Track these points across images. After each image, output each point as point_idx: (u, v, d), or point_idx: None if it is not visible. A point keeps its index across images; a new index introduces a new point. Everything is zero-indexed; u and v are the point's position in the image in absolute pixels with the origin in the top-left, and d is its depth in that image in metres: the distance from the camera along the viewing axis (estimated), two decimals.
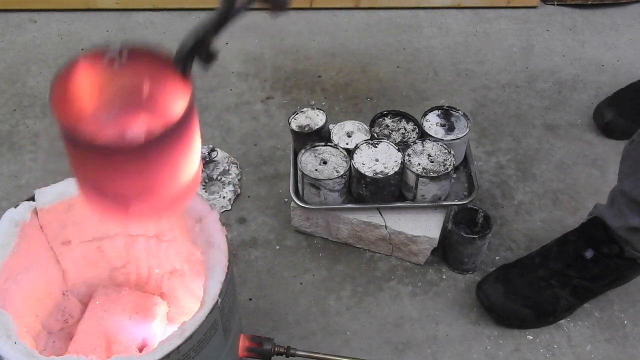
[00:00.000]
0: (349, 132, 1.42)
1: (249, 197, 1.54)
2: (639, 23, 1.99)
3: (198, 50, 0.81)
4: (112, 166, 0.72)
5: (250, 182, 1.57)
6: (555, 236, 1.45)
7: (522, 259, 1.34)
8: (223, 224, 1.00)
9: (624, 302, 1.35)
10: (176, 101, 0.78)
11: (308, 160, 1.35)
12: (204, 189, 1.53)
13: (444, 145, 1.35)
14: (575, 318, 1.32)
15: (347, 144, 1.39)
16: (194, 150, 0.76)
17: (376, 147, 1.35)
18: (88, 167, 0.75)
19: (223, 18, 0.78)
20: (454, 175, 1.41)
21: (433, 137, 1.37)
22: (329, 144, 1.38)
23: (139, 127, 0.77)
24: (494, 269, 1.39)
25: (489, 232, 1.32)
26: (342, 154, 1.36)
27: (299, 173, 1.34)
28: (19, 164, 1.61)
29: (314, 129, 1.40)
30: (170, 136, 0.72)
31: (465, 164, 1.43)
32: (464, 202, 1.36)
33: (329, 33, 1.96)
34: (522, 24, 1.99)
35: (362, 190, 1.34)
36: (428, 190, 1.33)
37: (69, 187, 1.04)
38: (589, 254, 1.25)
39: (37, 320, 1.08)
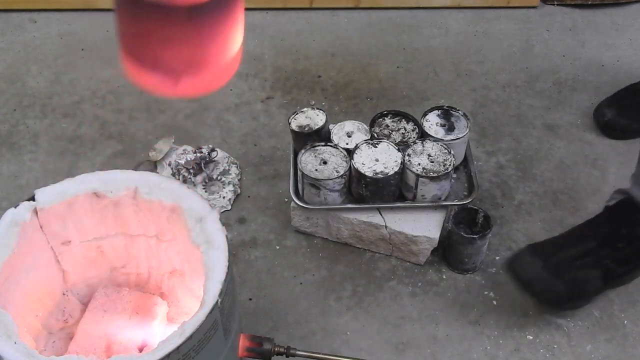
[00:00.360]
0: (349, 132, 1.42)
1: (249, 197, 1.54)
2: (639, 23, 1.99)
3: None
4: (166, 30, 0.73)
5: (250, 182, 1.57)
6: None
7: (552, 238, 1.33)
8: (223, 224, 1.00)
9: (624, 302, 1.35)
10: None
11: (308, 160, 1.35)
12: (204, 189, 1.53)
13: (444, 145, 1.35)
14: (575, 318, 1.32)
15: (347, 144, 1.39)
16: (240, 26, 0.78)
17: (376, 147, 1.35)
18: (143, 34, 0.77)
19: None
20: (454, 175, 1.41)
21: (433, 137, 1.37)
22: (329, 144, 1.38)
23: None
24: (494, 269, 1.39)
25: (489, 232, 1.32)
26: (342, 154, 1.36)
27: (299, 173, 1.34)
28: (19, 164, 1.61)
29: (314, 129, 1.40)
30: (223, 3, 0.73)
31: (465, 164, 1.44)
32: (464, 202, 1.36)
33: (329, 33, 1.96)
34: (522, 24, 1.99)
35: (362, 190, 1.34)
36: (428, 190, 1.33)
37: (69, 187, 1.04)
38: (625, 230, 1.26)
39: (37, 320, 1.08)
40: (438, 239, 1.36)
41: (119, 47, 0.82)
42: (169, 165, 1.56)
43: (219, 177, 1.55)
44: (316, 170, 1.34)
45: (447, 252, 1.40)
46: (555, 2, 2.04)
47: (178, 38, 0.74)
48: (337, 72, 1.84)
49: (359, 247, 1.44)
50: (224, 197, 1.52)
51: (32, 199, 1.02)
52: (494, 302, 1.35)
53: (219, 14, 0.74)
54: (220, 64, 0.79)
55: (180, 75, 0.78)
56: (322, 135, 1.41)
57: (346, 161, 1.35)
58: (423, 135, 1.40)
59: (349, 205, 1.38)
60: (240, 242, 1.45)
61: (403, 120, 1.44)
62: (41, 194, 1.03)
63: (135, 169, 1.56)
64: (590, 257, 1.26)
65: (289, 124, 1.41)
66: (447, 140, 1.37)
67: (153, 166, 1.59)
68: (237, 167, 1.58)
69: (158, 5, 0.71)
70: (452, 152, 1.34)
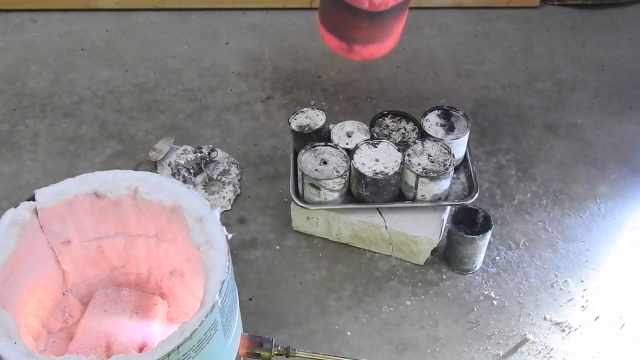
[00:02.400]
0: (349, 132, 1.42)
1: (249, 197, 1.54)
2: (639, 23, 1.99)
3: None
4: (352, 20, 1.12)
5: (250, 182, 1.57)
6: (557, 236, 1.46)
7: None
8: (223, 224, 1.00)
9: (623, 302, 1.35)
10: None
11: (308, 160, 1.35)
12: (204, 189, 1.53)
13: (444, 145, 1.35)
14: (574, 318, 1.32)
15: (347, 144, 1.39)
16: (399, 25, 1.16)
17: (376, 147, 1.35)
18: (337, 16, 1.14)
19: None
20: (454, 175, 1.41)
21: (433, 137, 1.37)
22: (329, 144, 1.38)
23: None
24: (494, 269, 1.39)
25: (489, 232, 1.32)
26: (342, 154, 1.36)
27: (299, 173, 1.34)
28: (19, 164, 1.61)
29: (314, 129, 1.40)
30: (395, 10, 1.10)
31: (465, 164, 1.44)
32: (464, 202, 1.36)
33: None
34: (522, 24, 1.99)
35: (362, 190, 1.34)
36: (428, 190, 1.33)
37: (69, 187, 1.04)
38: None
39: (37, 320, 1.08)
40: (438, 239, 1.36)
41: (319, 14, 1.19)
42: (169, 165, 1.56)
43: (219, 177, 1.55)
44: (316, 170, 1.34)
45: (447, 252, 1.40)
46: (555, 2, 2.04)
47: (358, 27, 1.13)
48: (337, 72, 1.84)
49: (359, 247, 1.44)
50: (224, 197, 1.52)
51: (32, 199, 1.02)
52: (494, 302, 1.35)
53: (387, 19, 1.13)
54: (379, 45, 1.18)
55: (354, 46, 1.16)
56: (322, 135, 1.41)
57: (346, 161, 1.35)
58: (423, 135, 1.40)
59: (349, 206, 1.38)
60: (240, 242, 1.45)
61: (403, 120, 1.44)
62: (41, 194, 1.03)
63: (135, 169, 1.57)
64: None
65: (289, 124, 1.41)
66: (447, 140, 1.37)
67: (153, 166, 1.59)
68: (237, 167, 1.58)
69: (353, 7, 1.09)
70: (452, 152, 1.34)
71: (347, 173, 1.34)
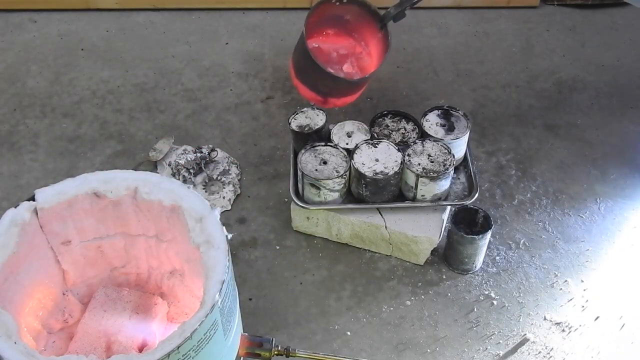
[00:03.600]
0: (349, 132, 1.42)
1: (249, 197, 1.54)
2: (639, 23, 1.99)
3: (398, 16, 1.40)
4: (333, 83, 1.38)
5: (250, 182, 1.57)
6: (557, 236, 1.46)
7: None
8: (223, 224, 1.00)
9: (623, 302, 1.35)
10: (377, 52, 1.44)
11: (308, 160, 1.35)
12: (204, 189, 1.53)
13: (444, 145, 1.35)
14: (574, 318, 1.32)
15: (347, 144, 1.39)
16: (364, 88, 1.46)
17: (376, 147, 1.35)
18: (316, 77, 1.38)
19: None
20: (454, 175, 1.41)
21: (433, 137, 1.37)
22: (329, 144, 1.38)
23: (352, 69, 1.46)
24: (494, 269, 1.39)
25: (489, 232, 1.32)
26: (342, 154, 1.36)
27: (299, 173, 1.34)
28: (19, 164, 1.61)
29: (314, 129, 1.40)
30: (366, 79, 1.41)
31: (465, 164, 1.44)
32: (464, 202, 1.36)
33: None
34: (522, 24, 1.99)
35: (362, 190, 1.34)
36: (428, 190, 1.33)
37: (69, 187, 1.04)
38: None
39: (37, 320, 1.08)
40: (438, 239, 1.36)
41: (293, 67, 1.45)
42: (169, 165, 1.56)
43: (219, 177, 1.55)
44: (316, 170, 1.34)
45: (447, 252, 1.40)
46: (555, 2, 2.04)
47: (337, 88, 1.41)
48: None
49: (359, 247, 1.44)
50: (224, 197, 1.52)
51: (32, 199, 1.02)
52: (494, 302, 1.35)
53: (359, 85, 1.43)
54: (352, 97, 1.46)
55: (329, 99, 1.44)
56: (322, 135, 1.41)
57: (346, 161, 1.35)
58: (423, 135, 1.40)
59: (349, 206, 1.38)
60: (240, 242, 1.45)
61: (403, 120, 1.44)
62: (41, 194, 1.03)
63: (135, 169, 1.57)
64: None
65: (289, 124, 1.41)
66: (447, 140, 1.37)
67: (153, 166, 1.59)
68: (237, 167, 1.58)
69: (333, 75, 1.37)
70: (452, 152, 1.34)
71: (347, 173, 1.34)
